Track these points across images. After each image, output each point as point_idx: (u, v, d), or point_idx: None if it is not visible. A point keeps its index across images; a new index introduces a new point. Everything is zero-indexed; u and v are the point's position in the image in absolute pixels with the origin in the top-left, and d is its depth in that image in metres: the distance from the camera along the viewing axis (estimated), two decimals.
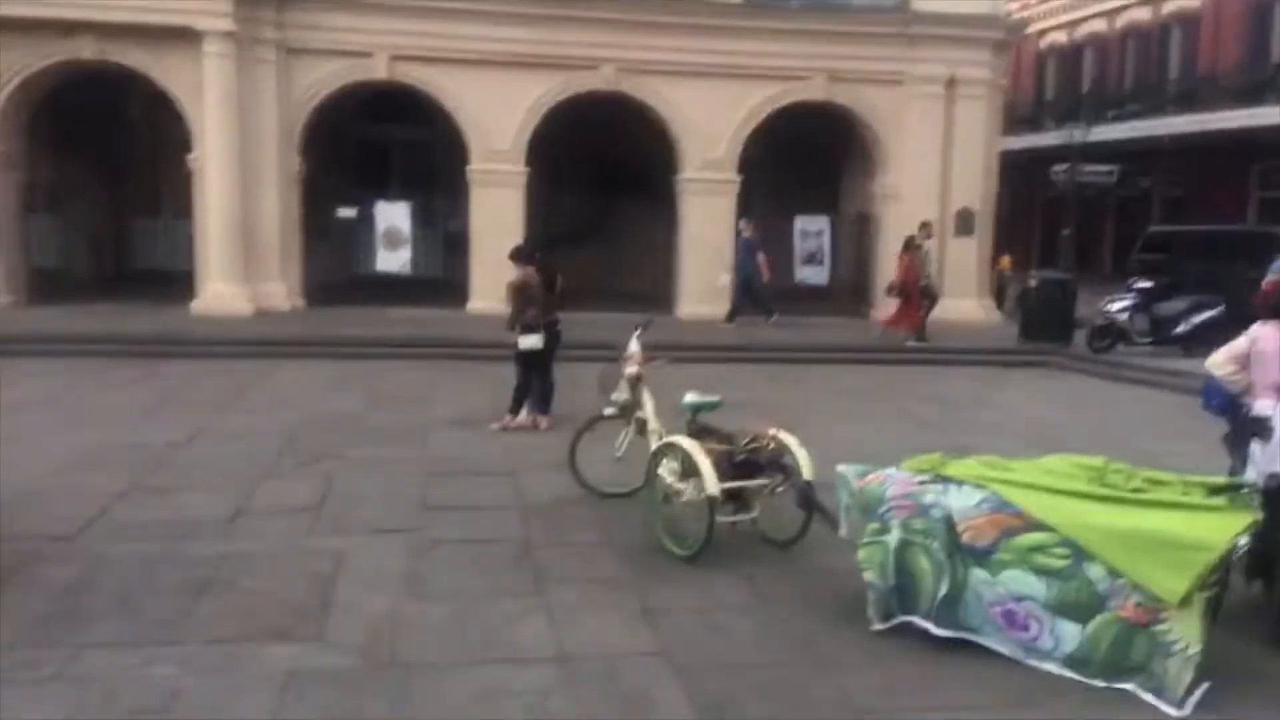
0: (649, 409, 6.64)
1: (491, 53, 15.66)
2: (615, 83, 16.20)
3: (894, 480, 4.70)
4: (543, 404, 9.07)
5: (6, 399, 9.65)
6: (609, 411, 6.87)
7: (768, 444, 5.76)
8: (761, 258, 16.02)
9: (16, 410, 9.20)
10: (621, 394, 6.77)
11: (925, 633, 4.53)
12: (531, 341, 8.93)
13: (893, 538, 4.58)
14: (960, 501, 4.47)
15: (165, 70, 14.88)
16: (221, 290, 15.11)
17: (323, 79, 15.52)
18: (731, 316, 16.14)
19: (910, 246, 14.94)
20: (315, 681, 4.06)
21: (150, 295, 15.81)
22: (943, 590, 4.46)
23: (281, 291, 15.69)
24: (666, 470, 5.87)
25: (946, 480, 4.58)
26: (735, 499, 5.73)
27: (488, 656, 4.35)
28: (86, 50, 14.52)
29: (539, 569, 5.44)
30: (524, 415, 9.01)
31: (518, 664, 4.28)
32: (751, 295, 16.18)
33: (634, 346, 6.93)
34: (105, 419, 8.99)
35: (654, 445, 6.25)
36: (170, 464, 7.49)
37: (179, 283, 15.64)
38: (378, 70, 15.62)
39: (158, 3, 14.27)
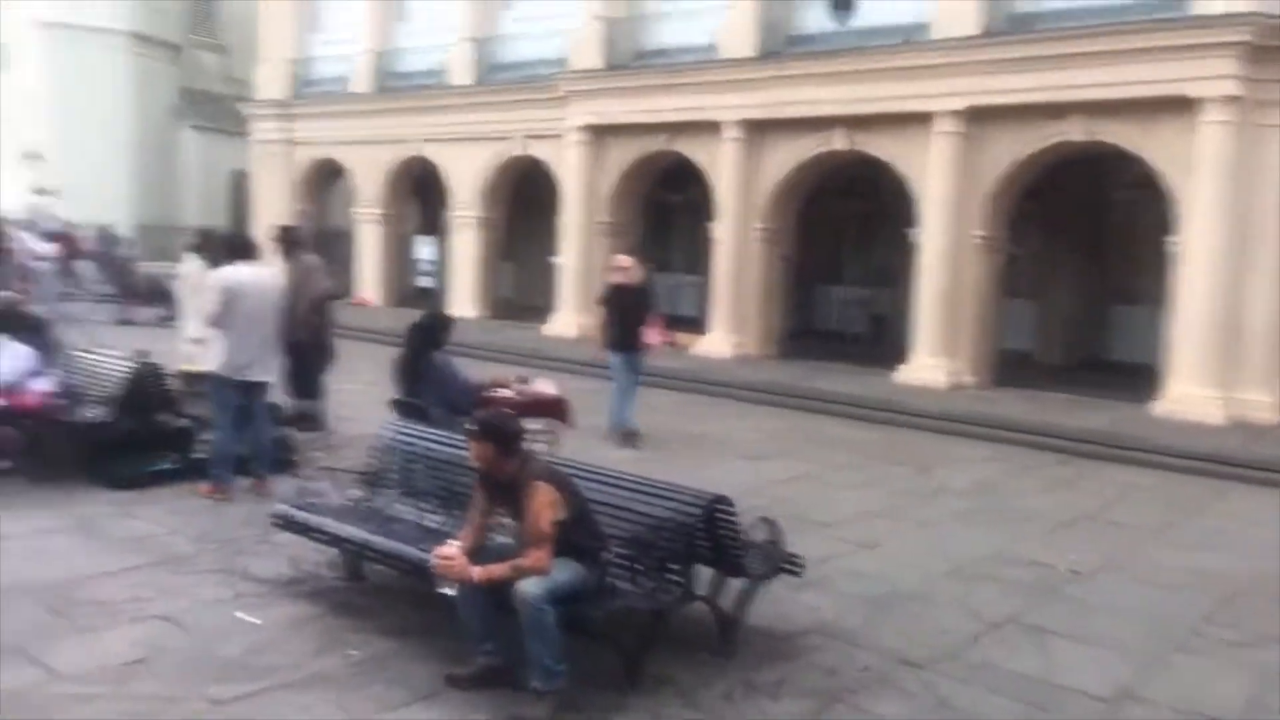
0: None
1: None
2: None
3: None
4: None
5: (949, 482, 9.62)
6: None
7: None
8: None
9: (945, 495, 9.06)
10: None
11: None
12: None
13: None
14: None
15: (1152, 146, 13.60)
16: (1189, 392, 13.10)
17: None
18: None
19: None
20: None
21: (1112, 389, 14.64)
22: None
23: (1268, 402, 12.92)
24: None
25: None
26: None
27: None
28: (1075, 131, 14.12)
29: None
30: None
31: None
32: None
33: None
34: (1019, 523, 8.18)
35: None
36: (1064, 598, 6.28)
37: (1146, 378, 14.15)
38: None
39: (1150, 74, 13.09)
